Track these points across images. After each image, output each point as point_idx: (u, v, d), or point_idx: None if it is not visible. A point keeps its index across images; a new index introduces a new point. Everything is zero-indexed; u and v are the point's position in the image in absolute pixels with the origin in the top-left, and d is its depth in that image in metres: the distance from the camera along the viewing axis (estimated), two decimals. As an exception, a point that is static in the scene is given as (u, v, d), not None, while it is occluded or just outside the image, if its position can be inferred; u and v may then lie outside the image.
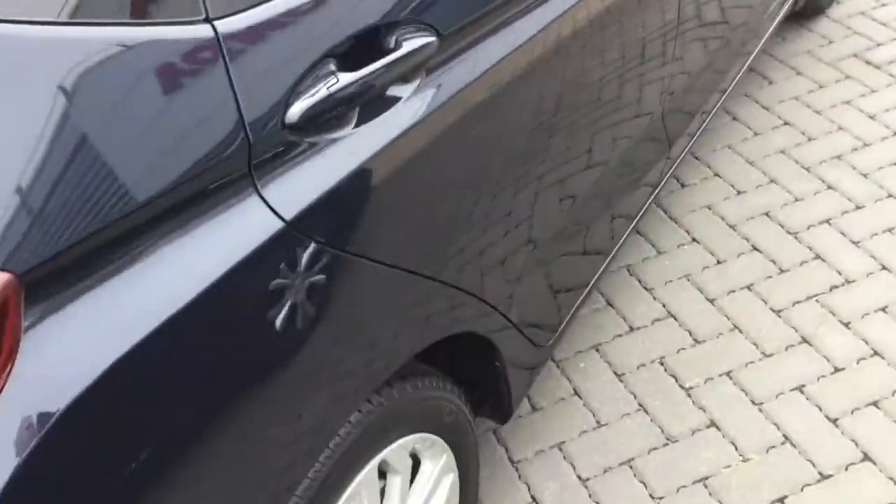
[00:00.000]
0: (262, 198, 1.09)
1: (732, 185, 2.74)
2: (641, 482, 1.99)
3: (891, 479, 1.93)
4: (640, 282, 2.47)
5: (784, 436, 2.05)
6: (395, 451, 1.46)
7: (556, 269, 1.87)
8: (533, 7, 1.52)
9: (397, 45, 1.25)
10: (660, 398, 2.16)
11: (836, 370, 2.17)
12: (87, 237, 0.93)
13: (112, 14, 1.01)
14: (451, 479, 1.65)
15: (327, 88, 1.15)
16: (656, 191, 2.35)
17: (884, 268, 2.41)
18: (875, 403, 2.09)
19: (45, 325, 0.92)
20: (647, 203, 2.32)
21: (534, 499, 2.00)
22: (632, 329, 2.34)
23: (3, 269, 0.87)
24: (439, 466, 1.60)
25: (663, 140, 2.26)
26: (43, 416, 0.91)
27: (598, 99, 1.80)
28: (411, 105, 1.28)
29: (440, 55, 1.32)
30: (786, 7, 3.00)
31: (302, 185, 1.14)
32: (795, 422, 2.07)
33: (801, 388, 2.14)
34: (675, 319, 2.35)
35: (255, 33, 1.09)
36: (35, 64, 0.93)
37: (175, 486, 1.04)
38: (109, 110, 0.96)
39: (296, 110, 1.12)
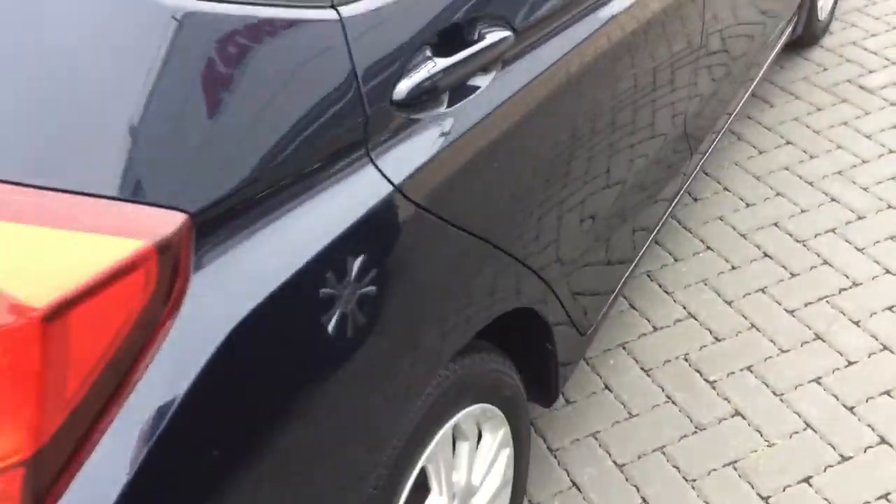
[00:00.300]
0: (375, 166, 1.22)
1: (742, 199, 2.90)
2: (675, 466, 2.11)
3: (907, 459, 2.07)
4: (660, 286, 2.61)
5: (805, 423, 2.18)
6: (465, 418, 1.58)
7: (594, 268, 2.00)
8: (595, 8, 1.68)
9: (480, 37, 1.39)
10: (686, 391, 2.29)
11: (850, 363, 2.32)
12: (242, 187, 1.05)
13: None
14: (508, 452, 1.76)
15: (427, 71, 1.29)
16: (672, 204, 2.49)
17: (887, 272, 2.57)
18: (888, 392, 2.23)
19: (206, 269, 1.03)
20: (664, 216, 2.46)
21: (574, 483, 2.11)
22: (655, 329, 2.47)
23: (179, 210, 0.99)
24: (498, 440, 1.72)
25: (686, 155, 2.41)
26: (198, 358, 1.00)
27: (618, 120, 1.95)
28: (490, 92, 1.42)
29: (513, 49, 1.47)
30: (784, 38, 3.19)
31: (407, 156, 1.27)
32: (814, 410, 2.21)
33: (817, 380, 2.28)
34: (696, 320, 2.49)
35: (371, 19, 1.22)
36: (187, 36, 1.04)
37: (292, 432, 1.14)
38: (257, 78, 1.09)
39: (402, 89, 1.25)
